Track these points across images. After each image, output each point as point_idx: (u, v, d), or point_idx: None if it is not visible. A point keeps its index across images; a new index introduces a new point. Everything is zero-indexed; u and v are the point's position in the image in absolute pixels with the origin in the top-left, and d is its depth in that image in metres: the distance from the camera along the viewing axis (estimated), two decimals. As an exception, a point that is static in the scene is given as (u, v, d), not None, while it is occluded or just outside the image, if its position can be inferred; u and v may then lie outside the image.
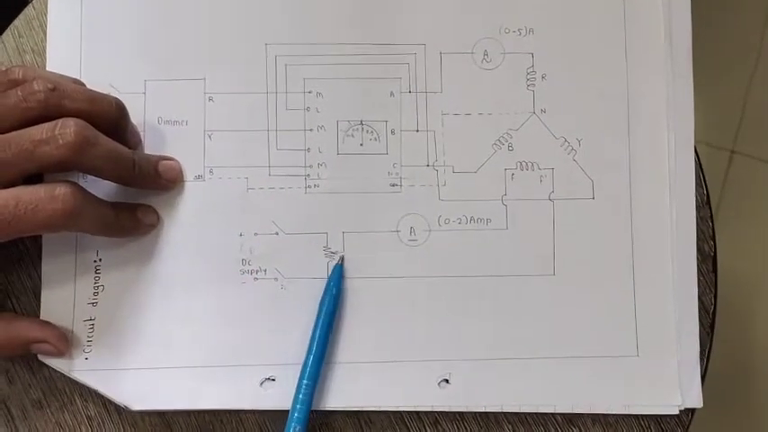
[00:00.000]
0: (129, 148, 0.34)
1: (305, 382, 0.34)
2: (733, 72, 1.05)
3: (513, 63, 0.37)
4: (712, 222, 0.37)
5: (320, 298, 0.35)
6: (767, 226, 0.99)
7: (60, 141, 0.30)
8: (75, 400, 0.36)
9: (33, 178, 0.32)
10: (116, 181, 0.34)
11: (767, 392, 0.94)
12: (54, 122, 0.31)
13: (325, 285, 0.36)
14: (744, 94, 1.03)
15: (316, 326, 0.35)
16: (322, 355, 0.35)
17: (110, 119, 0.33)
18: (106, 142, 0.32)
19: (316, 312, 0.35)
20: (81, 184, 0.32)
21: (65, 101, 0.31)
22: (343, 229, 0.36)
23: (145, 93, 0.36)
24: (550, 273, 0.36)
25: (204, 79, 0.37)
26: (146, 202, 0.36)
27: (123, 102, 0.34)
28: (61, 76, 0.33)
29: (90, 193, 0.32)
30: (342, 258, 0.36)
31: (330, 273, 0.36)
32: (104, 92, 0.36)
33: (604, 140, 0.37)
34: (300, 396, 0.34)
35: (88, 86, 0.35)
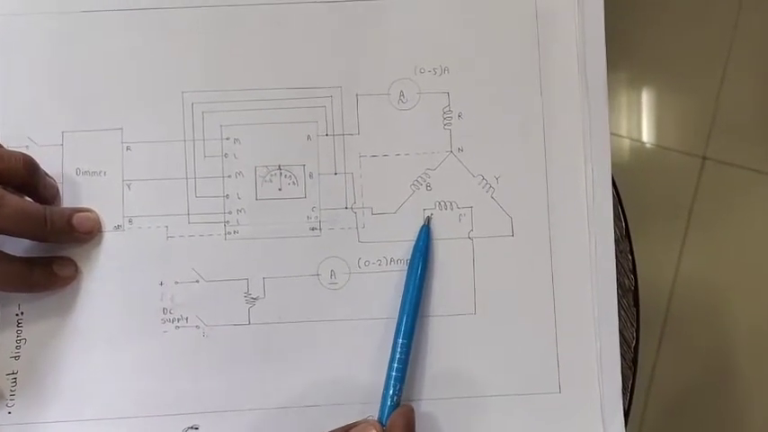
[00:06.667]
0: (45, 203, 0.35)
1: (400, 341, 0.34)
2: (703, 78, 1.05)
3: (429, 102, 0.37)
4: (632, 256, 0.36)
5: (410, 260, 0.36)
6: (739, 231, 0.99)
7: (-36, 205, 0.30)
8: (0, 455, 0.36)
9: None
10: (29, 238, 0.34)
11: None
12: (-43, 186, 0.31)
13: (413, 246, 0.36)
14: (714, 100, 1.03)
15: (407, 285, 0.35)
16: (416, 311, 0.35)
17: (19, 176, 0.33)
18: (13, 202, 0.32)
19: (239, 357, 0.36)
20: (-4, 242, 0.32)
21: (-30, 162, 0.32)
22: (263, 274, 0.36)
23: (62, 144, 0.37)
24: (471, 312, 0.36)
25: (121, 129, 0.37)
26: (66, 254, 0.36)
27: (40, 154, 0.34)
28: (-33, 136, 0.33)
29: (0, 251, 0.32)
30: (428, 219, 0.36)
31: (418, 233, 0.36)
32: (22, 144, 0.36)
33: (522, 177, 0.37)
34: (398, 356, 0.34)
35: (5, 140, 0.35)
